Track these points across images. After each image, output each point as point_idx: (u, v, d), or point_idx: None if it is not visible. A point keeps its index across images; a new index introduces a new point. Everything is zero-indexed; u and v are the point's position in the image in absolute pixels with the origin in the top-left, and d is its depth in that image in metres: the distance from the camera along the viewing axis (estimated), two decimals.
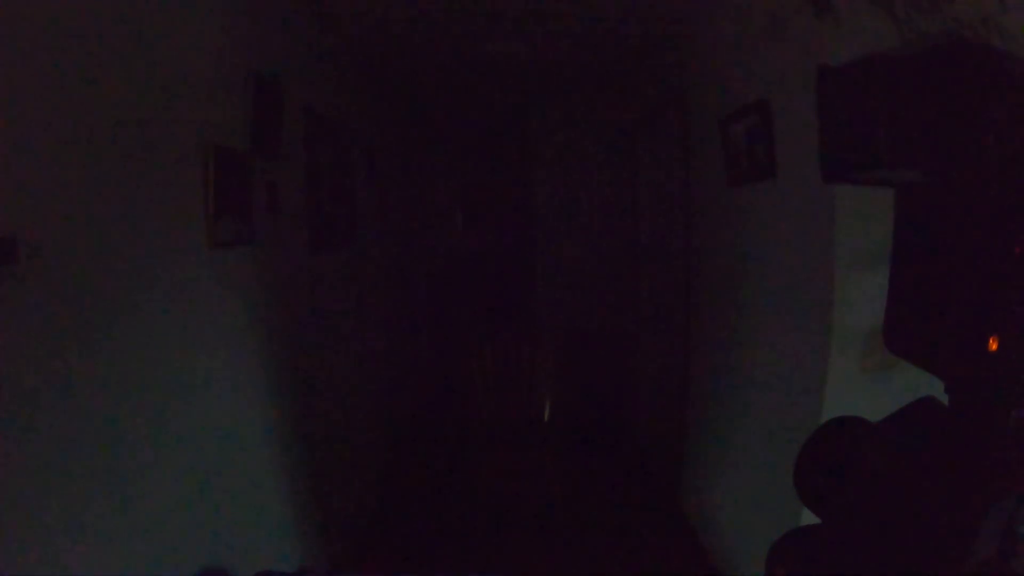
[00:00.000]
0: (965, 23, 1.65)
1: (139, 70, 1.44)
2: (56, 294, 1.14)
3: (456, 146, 6.02)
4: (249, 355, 2.04)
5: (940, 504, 0.49)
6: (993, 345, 0.51)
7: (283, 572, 1.74)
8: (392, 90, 4.37)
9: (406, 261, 5.38)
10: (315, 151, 2.78)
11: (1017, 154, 0.50)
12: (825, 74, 0.64)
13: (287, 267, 2.41)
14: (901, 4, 1.72)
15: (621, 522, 3.34)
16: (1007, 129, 0.50)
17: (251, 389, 2.05)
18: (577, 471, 3.91)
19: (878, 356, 1.79)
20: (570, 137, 4.93)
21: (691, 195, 3.10)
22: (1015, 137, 0.50)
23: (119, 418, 1.32)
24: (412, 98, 4.70)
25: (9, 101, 1.04)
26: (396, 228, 4.94)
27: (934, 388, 0.70)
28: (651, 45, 3.32)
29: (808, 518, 0.84)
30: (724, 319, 2.70)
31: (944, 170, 0.55)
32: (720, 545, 2.78)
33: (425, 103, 4.92)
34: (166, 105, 1.55)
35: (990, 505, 0.48)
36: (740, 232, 2.48)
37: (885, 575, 0.53)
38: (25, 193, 1.07)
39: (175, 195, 1.60)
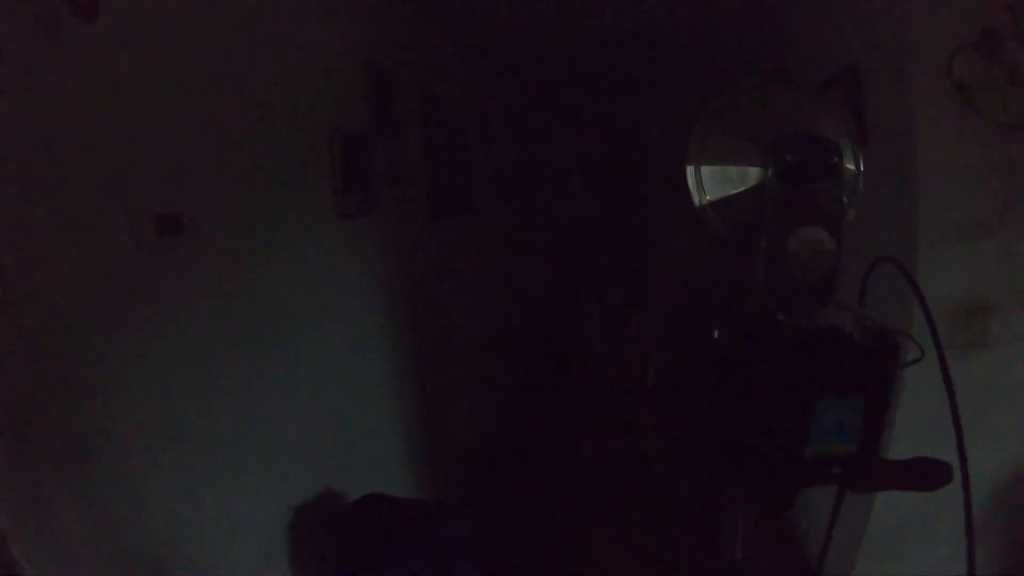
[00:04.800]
0: None
1: (273, 69, 1.71)
2: (212, 260, 1.45)
3: (573, 116, 6.09)
4: (372, 309, 2.36)
5: (776, 403, 0.62)
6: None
7: (392, 496, 1.86)
8: (505, 67, 4.53)
9: (523, 227, 5.61)
10: (431, 127, 3.04)
11: None
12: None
13: (407, 233, 2.71)
14: None
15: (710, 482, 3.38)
16: None
17: (373, 337, 2.37)
18: (673, 430, 3.99)
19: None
20: (680, 109, 4.83)
21: None
22: None
23: (260, 359, 1.63)
24: (526, 74, 4.83)
25: (169, 105, 1.31)
26: (512, 196, 5.16)
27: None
28: (754, 14, 3.21)
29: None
30: None
31: None
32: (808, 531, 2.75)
33: (539, 78, 5.04)
34: (296, 97, 1.83)
35: (815, 403, 0.60)
36: None
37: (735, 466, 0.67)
38: (186, 178, 1.37)
39: (307, 175, 1.91)
